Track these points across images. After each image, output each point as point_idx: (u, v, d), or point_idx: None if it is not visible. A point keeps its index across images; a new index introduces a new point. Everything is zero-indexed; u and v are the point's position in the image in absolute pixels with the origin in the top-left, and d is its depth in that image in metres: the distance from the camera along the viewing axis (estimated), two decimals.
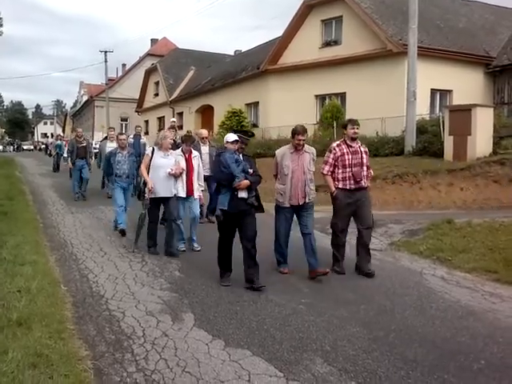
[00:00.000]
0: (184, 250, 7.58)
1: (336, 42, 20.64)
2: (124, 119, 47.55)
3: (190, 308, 5.12)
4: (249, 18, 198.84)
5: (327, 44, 21.08)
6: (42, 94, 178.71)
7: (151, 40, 53.14)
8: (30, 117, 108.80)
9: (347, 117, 18.23)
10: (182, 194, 7.51)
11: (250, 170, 5.77)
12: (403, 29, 16.56)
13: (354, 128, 6.37)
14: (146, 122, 41.04)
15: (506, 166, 11.57)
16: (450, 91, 18.98)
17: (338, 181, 6.39)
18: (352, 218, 6.57)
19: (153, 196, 7.24)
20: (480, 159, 12.39)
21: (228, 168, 5.63)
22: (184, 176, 7.49)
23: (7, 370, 3.41)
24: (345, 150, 6.36)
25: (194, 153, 7.88)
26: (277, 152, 6.42)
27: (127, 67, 52.51)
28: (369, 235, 6.54)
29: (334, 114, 18.22)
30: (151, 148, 7.58)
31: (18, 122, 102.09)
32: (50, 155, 27.49)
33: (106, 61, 41.99)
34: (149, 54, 48.67)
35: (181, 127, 26.63)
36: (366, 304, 5.25)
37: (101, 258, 7.14)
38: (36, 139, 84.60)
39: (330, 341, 4.31)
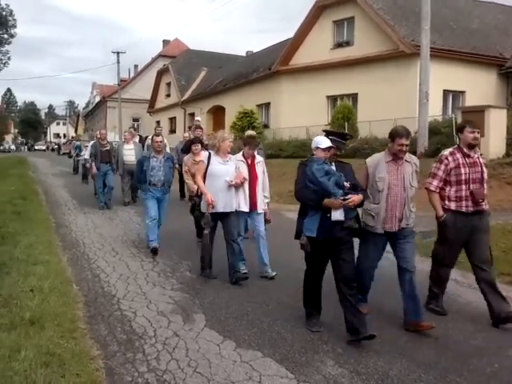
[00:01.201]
0: (246, 273, 6.04)
1: (348, 43, 20.65)
2: (136, 120, 47.77)
3: (201, 308, 5.12)
4: (258, 20, 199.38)
5: (339, 45, 21.09)
6: (54, 94, 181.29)
7: (163, 41, 53.43)
8: (43, 117, 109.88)
9: (359, 117, 18.30)
10: (245, 209, 6.22)
11: (347, 184, 4.38)
12: (416, 30, 16.47)
13: (474, 132, 4.96)
14: (158, 122, 41.24)
15: None
16: (462, 92, 18.89)
17: (450, 201, 4.96)
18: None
19: (212, 211, 6.00)
20: (493, 161, 12.32)
21: (318, 184, 4.30)
22: (246, 186, 6.22)
23: (20, 369, 3.44)
24: (460, 161, 4.92)
25: (258, 158, 6.55)
26: (368, 161, 4.89)
27: (139, 68, 52.82)
28: (489, 273, 4.92)
29: (345, 115, 18.21)
30: (207, 153, 6.33)
31: (31, 123, 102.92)
32: (70, 156, 25.92)
33: (118, 62, 42.26)
34: (161, 55, 48.95)
35: (191, 128, 26.67)
36: (377, 306, 5.21)
37: (112, 258, 7.17)
38: (49, 139, 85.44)
39: (341, 342, 4.29)
